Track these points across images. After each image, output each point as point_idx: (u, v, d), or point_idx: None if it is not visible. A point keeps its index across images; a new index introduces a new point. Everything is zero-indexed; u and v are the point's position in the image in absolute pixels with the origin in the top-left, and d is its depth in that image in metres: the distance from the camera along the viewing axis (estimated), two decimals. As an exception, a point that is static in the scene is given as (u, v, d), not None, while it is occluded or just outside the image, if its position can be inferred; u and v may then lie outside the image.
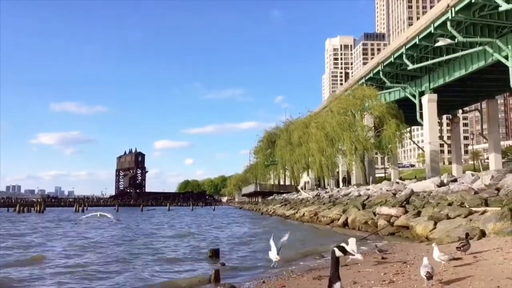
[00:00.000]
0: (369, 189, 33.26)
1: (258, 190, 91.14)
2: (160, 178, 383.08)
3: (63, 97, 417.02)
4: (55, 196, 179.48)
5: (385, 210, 21.69)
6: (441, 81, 37.87)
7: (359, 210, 25.27)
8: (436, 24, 31.43)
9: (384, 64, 41.43)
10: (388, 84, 42.71)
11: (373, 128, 46.04)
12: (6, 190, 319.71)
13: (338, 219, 26.46)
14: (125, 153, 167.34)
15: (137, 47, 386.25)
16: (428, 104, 38.82)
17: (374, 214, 22.62)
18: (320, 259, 13.06)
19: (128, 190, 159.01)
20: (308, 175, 69.23)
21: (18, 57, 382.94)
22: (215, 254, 14.60)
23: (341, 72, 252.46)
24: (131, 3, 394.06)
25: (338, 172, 59.35)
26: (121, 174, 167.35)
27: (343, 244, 4.36)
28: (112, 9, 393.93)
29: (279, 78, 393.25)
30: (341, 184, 56.13)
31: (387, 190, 29.16)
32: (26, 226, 34.59)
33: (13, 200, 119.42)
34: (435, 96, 38.85)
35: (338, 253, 4.06)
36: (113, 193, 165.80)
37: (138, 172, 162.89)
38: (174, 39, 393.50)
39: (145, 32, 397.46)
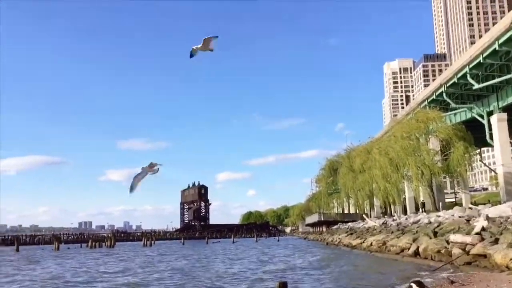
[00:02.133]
0: (439, 216, 31.75)
1: (322, 219, 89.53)
2: (224, 210, 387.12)
3: (129, 134, 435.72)
4: (124, 231, 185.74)
5: (459, 238, 20.58)
6: (510, 99, 36.00)
7: (430, 238, 24.16)
8: (501, 40, 30.27)
9: (447, 85, 40.15)
10: (452, 105, 41.25)
11: (439, 151, 44.34)
12: (78, 226, 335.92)
13: (408, 248, 25.40)
14: (188, 186, 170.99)
15: (195, 80, 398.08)
16: (498, 124, 36.89)
17: (447, 242, 21.51)
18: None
19: (193, 223, 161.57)
20: (372, 202, 67.35)
21: (85, 95, 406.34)
22: (283, 287, 14.39)
23: (401, 96, 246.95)
24: (183, 35, 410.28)
25: (404, 199, 57.26)
26: (185, 207, 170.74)
27: (419, 279, 4.20)
28: (171, 42, 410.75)
29: (338, 105, 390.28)
30: (408, 211, 54.02)
31: (459, 216, 27.71)
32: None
33: (85, 236, 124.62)
34: (505, 115, 36.92)
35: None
36: (179, 226, 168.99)
37: (202, 205, 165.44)
38: (229, 70, 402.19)
39: (202, 64, 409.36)
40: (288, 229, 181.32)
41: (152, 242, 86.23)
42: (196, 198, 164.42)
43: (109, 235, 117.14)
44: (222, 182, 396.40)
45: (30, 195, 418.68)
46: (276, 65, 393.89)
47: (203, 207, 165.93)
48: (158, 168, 12.48)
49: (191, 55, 11.92)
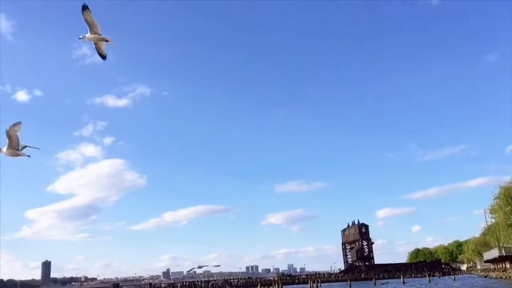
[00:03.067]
0: None
1: (504, 254, 79.69)
2: (388, 249, 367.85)
3: (286, 178, 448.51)
4: (289, 274, 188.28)
5: None
6: None
7: None
8: None
9: None
10: None
11: None
12: (246, 271, 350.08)
13: None
14: (348, 225, 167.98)
15: (347, 118, 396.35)
16: None
17: None
18: None
19: (357, 263, 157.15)
20: None
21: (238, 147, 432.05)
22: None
23: None
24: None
25: None
26: (347, 247, 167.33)
27: None
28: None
29: (504, 124, 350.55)
30: None
31: None
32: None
33: (253, 280, 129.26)
34: None
35: None
36: (342, 267, 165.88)
37: (364, 244, 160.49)
38: (379, 103, 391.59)
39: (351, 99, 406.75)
40: (464, 267, 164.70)
41: (319, 285, 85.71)
42: (358, 238, 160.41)
43: (275, 278, 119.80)
44: (383, 219, 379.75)
45: (202, 243, 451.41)
46: (428, 86, 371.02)
47: (365, 246, 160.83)
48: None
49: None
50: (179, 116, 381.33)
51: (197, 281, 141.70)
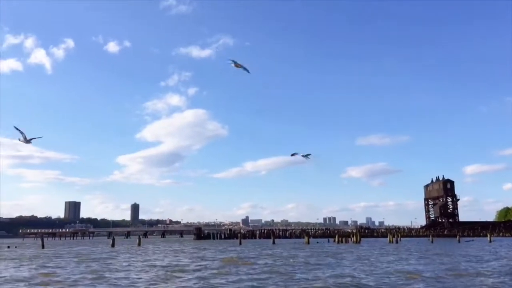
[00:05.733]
0: None
1: None
2: (474, 206, 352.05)
3: (367, 131, 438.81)
4: (367, 227, 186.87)
5: None
6: None
7: None
8: None
9: None
10: None
11: None
12: (323, 222, 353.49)
13: None
14: (432, 181, 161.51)
15: (425, 71, 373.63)
16: None
17: None
18: None
19: (439, 220, 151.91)
20: None
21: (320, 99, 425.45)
22: None
23: None
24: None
25: None
26: (430, 203, 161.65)
27: None
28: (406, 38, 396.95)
29: None
30: None
31: None
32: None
33: (330, 231, 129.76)
34: None
35: None
36: (423, 223, 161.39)
37: (449, 200, 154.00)
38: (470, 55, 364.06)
39: (440, 57, 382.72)
40: None
41: (398, 239, 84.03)
42: (442, 194, 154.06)
43: (354, 230, 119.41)
44: (471, 175, 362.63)
45: (280, 193, 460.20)
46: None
47: (450, 202, 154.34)
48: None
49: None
50: (261, 67, 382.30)
51: (275, 229, 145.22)
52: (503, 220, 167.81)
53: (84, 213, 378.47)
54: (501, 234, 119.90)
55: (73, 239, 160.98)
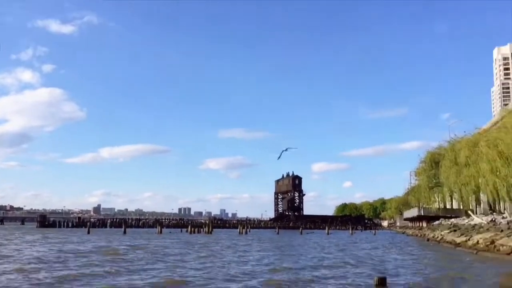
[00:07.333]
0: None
1: (422, 214, 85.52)
2: (318, 201, 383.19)
3: (230, 124, 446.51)
4: (220, 218, 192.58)
5: None
6: None
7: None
8: None
9: None
10: None
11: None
12: (178, 212, 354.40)
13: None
14: (282, 176, 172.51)
15: (292, 69, 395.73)
16: None
17: None
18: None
19: (286, 213, 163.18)
20: (479, 198, 62.80)
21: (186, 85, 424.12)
22: (381, 282, 14.10)
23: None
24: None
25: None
26: (279, 197, 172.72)
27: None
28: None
29: (443, 93, 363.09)
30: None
31: None
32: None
33: (184, 222, 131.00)
34: None
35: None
36: (273, 216, 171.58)
37: (296, 195, 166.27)
38: (333, 57, 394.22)
39: (306, 51, 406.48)
40: (385, 223, 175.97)
41: (248, 230, 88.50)
42: (290, 189, 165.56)
43: (207, 221, 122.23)
44: (318, 173, 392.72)
45: (137, 181, 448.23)
46: (381, 54, 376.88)
47: (297, 197, 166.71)
48: None
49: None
50: (125, 49, 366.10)
51: (128, 219, 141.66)
52: (340, 214, 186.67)
53: None
54: (337, 227, 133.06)
55: None
